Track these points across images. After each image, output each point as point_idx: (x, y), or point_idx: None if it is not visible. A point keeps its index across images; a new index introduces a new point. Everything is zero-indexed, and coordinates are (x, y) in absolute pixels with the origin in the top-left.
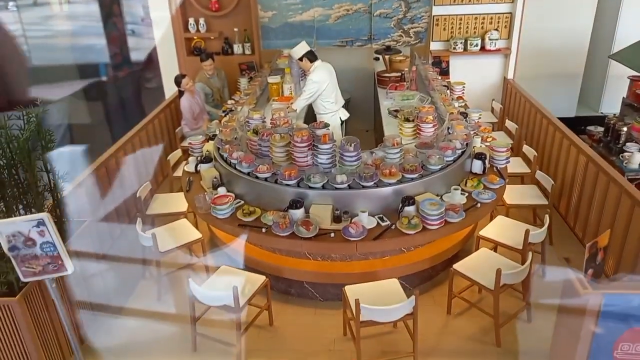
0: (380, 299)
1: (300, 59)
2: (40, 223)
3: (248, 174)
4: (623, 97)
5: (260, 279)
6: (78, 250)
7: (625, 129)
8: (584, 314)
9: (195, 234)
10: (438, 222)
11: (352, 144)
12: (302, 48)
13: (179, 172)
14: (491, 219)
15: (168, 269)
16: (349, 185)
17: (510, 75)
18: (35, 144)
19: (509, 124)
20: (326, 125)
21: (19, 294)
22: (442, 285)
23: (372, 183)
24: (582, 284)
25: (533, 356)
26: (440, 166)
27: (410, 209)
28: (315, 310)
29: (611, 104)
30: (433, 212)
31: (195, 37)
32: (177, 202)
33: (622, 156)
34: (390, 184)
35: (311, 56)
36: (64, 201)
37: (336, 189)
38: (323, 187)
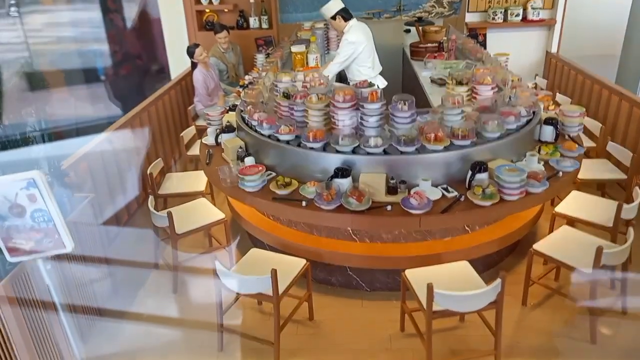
0: (452, 285)
1: (333, 18)
2: (31, 184)
3: (269, 136)
4: None
5: (300, 262)
6: (80, 229)
7: None
8: None
9: (218, 214)
10: (519, 192)
11: (407, 103)
12: (335, 4)
13: (192, 151)
14: (553, 200)
15: (185, 255)
16: (384, 150)
17: (553, 49)
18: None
19: (560, 97)
20: (371, 84)
21: (4, 279)
22: (508, 274)
23: (413, 149)
24: None
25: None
26: (499, 134)
27: (482, 177)
28: (362, 302)
29: None
30: (513, 179)
31: (207, 10)
32: (193, 180)
33: None
34: (436, 151)
35: (346, 14)
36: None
37: (368, 153)
38: (353, 152)
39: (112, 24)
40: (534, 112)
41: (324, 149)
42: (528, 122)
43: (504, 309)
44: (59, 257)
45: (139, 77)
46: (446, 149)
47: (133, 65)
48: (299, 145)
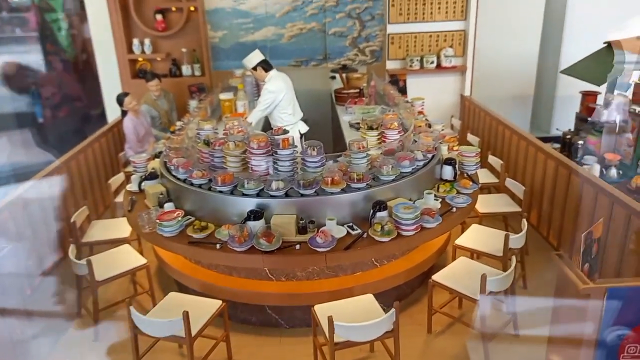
0: (356, 317)
1: (255, 69)
2: None
3: (185, 180)
4: (576, 112)
5: (216, 303)
6: None
7: (581, 142)
8: (585, 312)
9: (140, 260)
10: (414, 227)
11: (315, 149)
12: (256, 56)
13: (121, 198)
14: (462, 231)
15: (107, 302)
16: (316, 192)
17: (467, 92)
18: None
19: (470, 137)
20: (285, 132)
21: None
22: (418, 304)
23: (312, 191)
24: (580, 278)
25: None
26: (394, 176)
27: (382, 215)
28: (281, 339)
29: (561, 125)
30: (408, 216)
31: (140, 59)
32: (119, 227)
33: None
34: (333, 193)
35: (266, 65)
36: None
37: (271, 196)
38: (258, 195)
39: (50, 67)
40: (432, 156)
41: (232, 192)
42: (425, 164)
43: (411, 337)
44: None
45: (77, 121)
46: (343, 191)
47: (72, 108)
48: (209, 189)
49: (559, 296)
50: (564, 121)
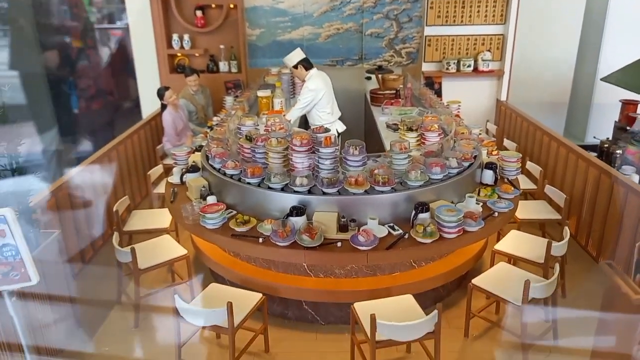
0: (396, 317)
1: (295, 67)
2: (1, 220)
3: (231, 176)
4: (615, 121)
5: (256, 296)
6: (44, 265)
7: (619, 152)
8: (636, 324)
9: (180, 250)
10: (456, 230)
11: (357, 148)
12: (297, 55)
13: (159, 189)
14: (498, 237)
15: (147, 290)
16: (338, 191)
17: (503, 97)
18: None
19: (507, 142)
20: (327, 130)
21: None
22: (455, 307)
23: (334, 190)
24: (633, 289)
25: None
26: (421, 182)
27: (424, 216)
28: (317, 335)
29: (596, 134)
30: (451, 218)
31: (179, 54)
32: (158, 217)
33: None
34: (356, 194)
35: (307, 64)
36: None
37: (295, 191)
38: (282, 190)
39: (88, 60)
40: (470, 163)
41: (259, 185)
42: (470, 166)
43: (447, 340)
44: (23, 295)
45: (109, 114)
46: (366, 192)
47: (105, 101)
48: (243, 180)
49: (607, 307)
50: (599, 129)
